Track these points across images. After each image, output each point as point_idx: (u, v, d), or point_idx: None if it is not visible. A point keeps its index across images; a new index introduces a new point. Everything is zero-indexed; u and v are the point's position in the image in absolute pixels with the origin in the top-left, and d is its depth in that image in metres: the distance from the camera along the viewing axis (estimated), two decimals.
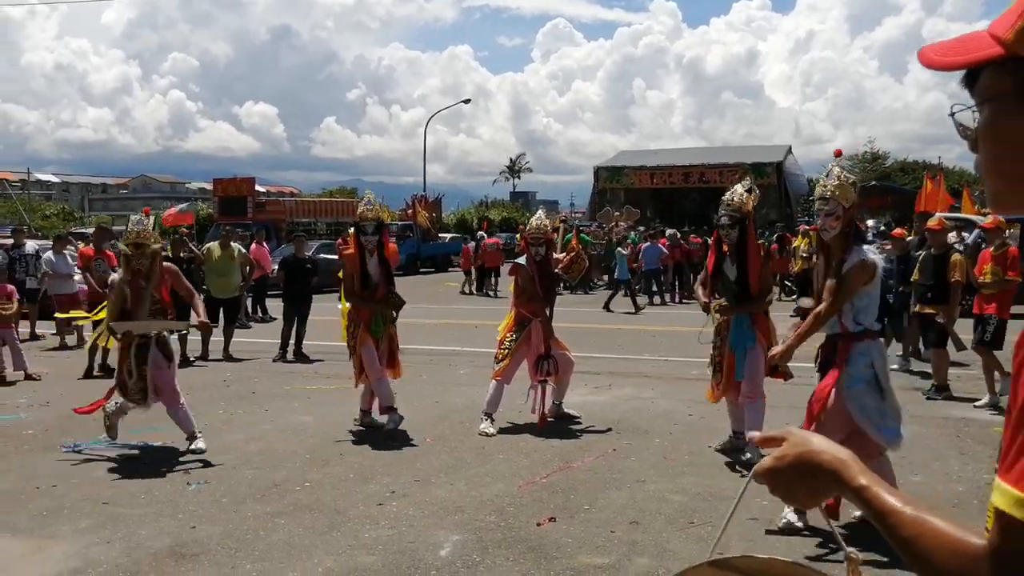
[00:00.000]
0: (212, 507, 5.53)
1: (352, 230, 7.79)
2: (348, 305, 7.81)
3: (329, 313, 16.47)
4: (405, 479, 6.11)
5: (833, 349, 5.00)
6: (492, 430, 7.45)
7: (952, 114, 1.14)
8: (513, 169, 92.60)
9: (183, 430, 6.84)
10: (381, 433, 7.40)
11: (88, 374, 10.33)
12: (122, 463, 6.52)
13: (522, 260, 8.05)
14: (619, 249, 19.85)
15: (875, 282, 4.88)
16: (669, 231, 23.23)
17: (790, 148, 41.42)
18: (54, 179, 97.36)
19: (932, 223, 9.53)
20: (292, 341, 12.06)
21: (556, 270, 8.13)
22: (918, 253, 9.76)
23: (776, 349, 5.25)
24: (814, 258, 13.21)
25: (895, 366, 11.04)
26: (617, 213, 32.96)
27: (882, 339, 5.19)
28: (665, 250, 20.57)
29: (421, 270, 33.12)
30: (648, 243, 20.91)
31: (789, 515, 4.96)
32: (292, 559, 4.65)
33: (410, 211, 35.91)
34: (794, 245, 16.79)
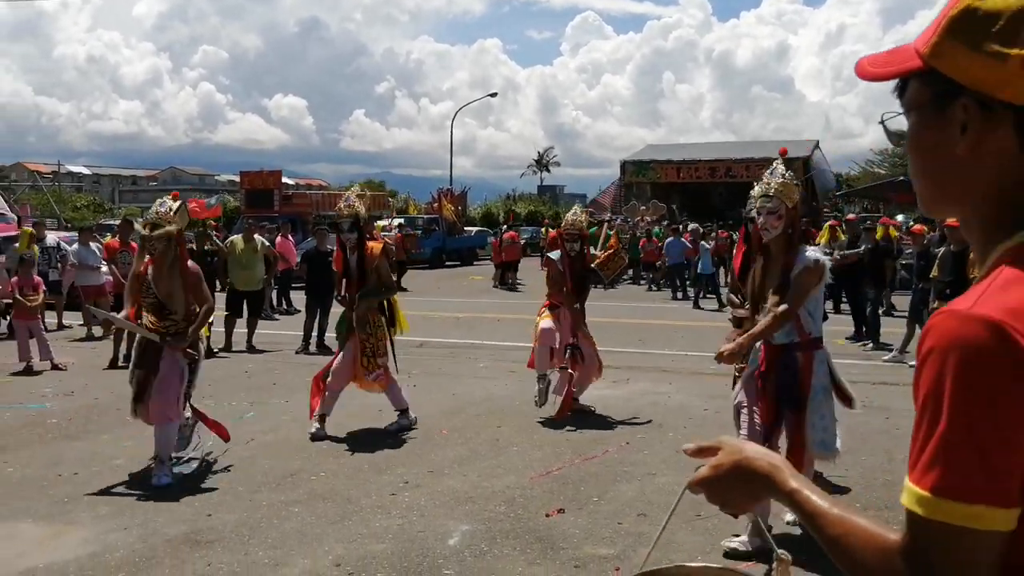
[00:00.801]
0: (228, 495, 5.63)
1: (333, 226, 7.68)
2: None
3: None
4: (419, 470, 6.18)
5: (787, 361, 4.71)
6: (539, 399, 7.80)
7: (882, 122, 1.19)
8: (541, 163, 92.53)
9: (157, 448, 6.00)
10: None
11: (113, 364, 10.51)
12: (142, 452, 6.64)
13: (555, 254, 8.11)
14: (703, 243, 19.20)
15: (822, 285, 4.68)
16: (692, 226, 23.14)
17: (818, 143, 41.12)
18: (85, 171, 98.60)
19: (951, 219, 9.44)
20: (314, 333, 12.19)
21: (592, 266, 8.14)
22: (938, 249, 9.69)
23: (726, 347, 4.77)
24: (835, 254, 13.13)
25: (887, 357, 11.05)
26: (643, 207, 32.90)
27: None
28: (689, 244, 20.53)
29: (446, 263, 33.23)
30: (672, 238, 20.87)
31: (730, 543, 4.69)
32: (304, 546, 4.74)
33: (436, 204, 36.02)
34: (816, 241, 16.64)
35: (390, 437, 7.14)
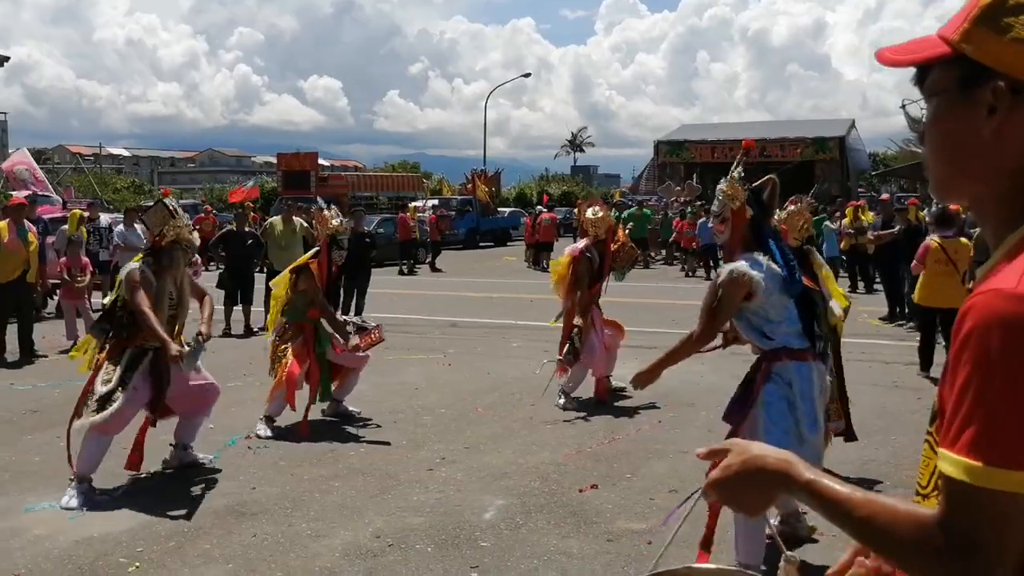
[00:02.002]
0: (270, 470, 5.83)
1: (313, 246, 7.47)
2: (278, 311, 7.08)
3: (387, 286, 16.86)
4: (455, 446, 6.33)
5: (756, 369, 4.32)
6: (567, 403, 7.51)
7: (903, 107, 1.27)
8: (574, 143, 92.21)
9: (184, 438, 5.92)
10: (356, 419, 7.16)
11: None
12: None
13: (584, 246, 7.83)
14: (827, 223, 18.52)
15: (759, 299, 4.04)
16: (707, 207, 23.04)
17: (853, 122, 40.60)
18: (125, 153, 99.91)
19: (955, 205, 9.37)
20: (351, 313, 12.39)
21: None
22: (972, 231, 9.64)
23: (643, 368, 4.33)
24: (869, 234, 13.02)
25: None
26: (678, 188, 32.75)
27: (818, 361, 4.34)
28: None
29: (480, 244, 33.36)
30: (704, 218, 20.79)
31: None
32: (344, 519, 4.91)
33: (470, 185, 36.13)
34: (843, 222, 16.54)
35: (427, 414, 7.30)
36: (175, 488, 5.47)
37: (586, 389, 7.89)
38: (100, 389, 5.32)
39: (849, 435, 5.64)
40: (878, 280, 14.52)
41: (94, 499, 5.19)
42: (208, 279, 14.55)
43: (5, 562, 4.34)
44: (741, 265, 4.01)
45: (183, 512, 5.02)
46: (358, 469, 5.83)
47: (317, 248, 7.23)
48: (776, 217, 5.53)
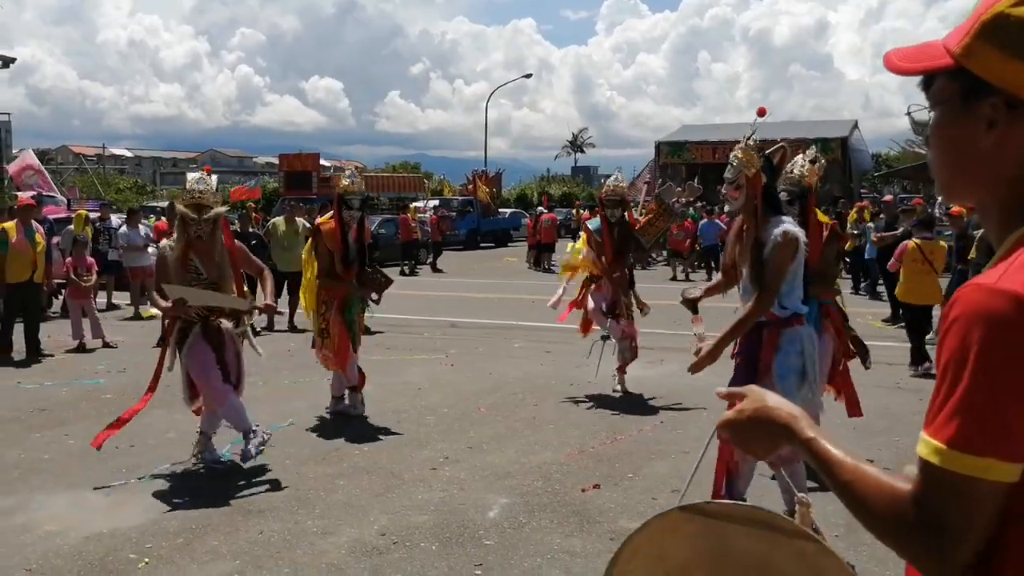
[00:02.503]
0: (276, 468, 5.88)
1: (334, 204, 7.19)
2: (312, 289, 7.40)
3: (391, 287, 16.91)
4: (458, 446, 6.39)
5: (757, 340, 4.35)
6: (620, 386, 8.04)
7: (908, 113, 1.31)
8: (575, 143, 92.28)
9: (236, 428, 5.89)
10: (351, 416, 7.22)
11: (162, 342, 10.85)
12: (193, 427, 6.90)
13: (593, 223, 8.10)
14: (869, 225, 18.24)
15: (799, 258, 4.25)
16: (727, 208, 23.07)
17: (856, 123, 40.55)
18: (127, 153, 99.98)
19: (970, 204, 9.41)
20: None
21: (636, 229, 8.08)
22: (976, 231, 9.68)
23: (704, 349, 4.18)
24: (872, 235, 13.04)
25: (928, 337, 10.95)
26: (679, 188, 32.81)
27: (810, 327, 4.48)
28: (724, 226, 20.50)
29: (481, 245, 33.40)
30: (706, 220, 20.86)
31: None
32: (350, 517, 4.97)
33: (471, 186, 36.18)
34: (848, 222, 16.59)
35: (430, 414, 7.35)
36: (183, 486, 5.53)
37: (593, 388, 7.94)
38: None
39: None
40: (881, 282, 14.58)
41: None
42: None
43: (16, 557, 4.40)
44: (791, 227, 4.18)
45: (191, 509, 5.08)
46: (363, 468, 5.89)
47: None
48: (797, 173, 5.66)
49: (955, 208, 12.26)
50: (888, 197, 17.27)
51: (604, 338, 8.13)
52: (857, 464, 1.18)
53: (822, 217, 6.08)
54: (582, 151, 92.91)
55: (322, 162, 37.66)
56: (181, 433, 6.66)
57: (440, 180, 51.63)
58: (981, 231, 9.76)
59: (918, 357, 9.17)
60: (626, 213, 8.01)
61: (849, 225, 16.02)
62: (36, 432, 6.87)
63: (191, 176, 5.90)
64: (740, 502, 1.47)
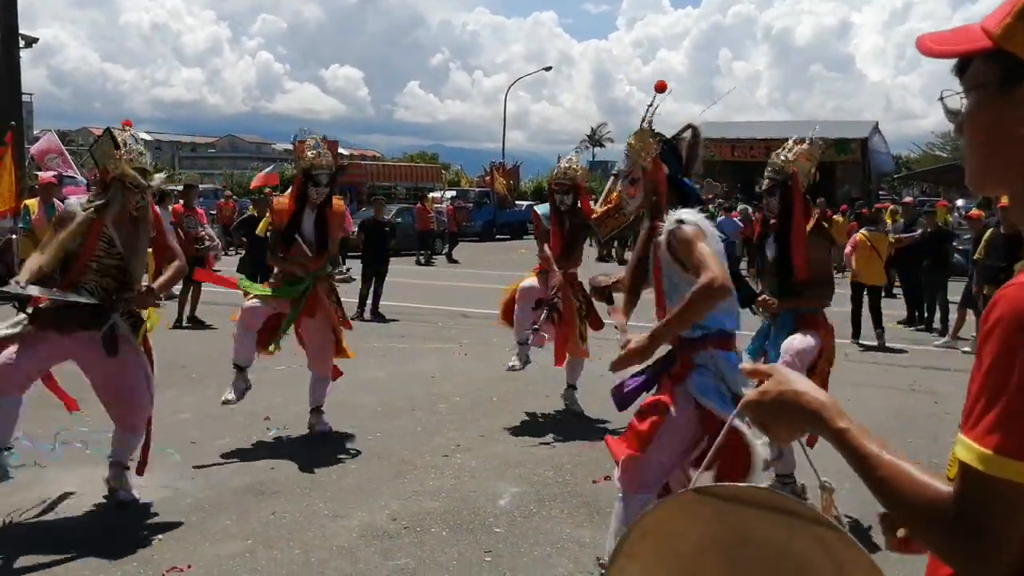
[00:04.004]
0: (288, 451, 5.91)
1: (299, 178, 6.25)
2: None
3: (405, 275, 16.95)
4: (470, 434, 6.40)
5: (670, 358, 3.54)
6: (517, 364, 6.98)
7: (942, 98, 1.25)
8: (594, 138, 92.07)
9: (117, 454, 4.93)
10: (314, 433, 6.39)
11: (177, 324, 10.93)
12: (206, 407, 6.95)
13: (542, 208, 7.19)
14: (921, 220, 17.56)
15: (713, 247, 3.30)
16: (741, 206, 23.00)
17: (877, 125, 40.30)
18: (147, 137, 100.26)
19: (1004, 200, 9.37)
20: (369, 301, 12.48)
21: (589, 220, 7.05)
22: (990, 229, 9.62)
23: (633, 342, 3.25)
24: (890, 236, 12.96)
25: (938, 342, 10.89)
26: (697, 186, 32.68)
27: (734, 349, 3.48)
28: (740, 224, 20.45)
29: (497, 237, 33.43)
30: (724, 217, 20.78)
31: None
32: (361, 501, 4.99)
33: (488, 178, 36.19)
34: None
35: (443, 402, 7.37)
36: (196, 465, 5.55)
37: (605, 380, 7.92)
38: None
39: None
40: (898, 284, 14.51)
41: None
42: (229, 263, 14.72)
43: (29, 532, 4.44)
44: (694, 217, 3.32)
45: (203, 489, 5.11)
46: (375, 453, 5.91)
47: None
48: (782, 158, 5.02)
49: (974, 211, 12.19)
50: (908, 199, 17.16)
51: (521, 343, 7.03)
52: (893, 460, 1.15)
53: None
54: (600, 146, 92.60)
55: (340, 150, 37.74)
56: (193, 414, 6.70)
57: (457, 171, 51.67)
58: (990, 231, 9.68)
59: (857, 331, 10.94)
60: (580, 201, 6.95)
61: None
62: (52, 408, 6.91)
63: (121, 135, 4.83)
64: (758, 486, 1.42)
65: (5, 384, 4.43)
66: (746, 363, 1.41)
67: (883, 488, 1.14)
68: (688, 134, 3.65)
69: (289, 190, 6.38)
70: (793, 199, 4.97)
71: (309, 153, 6.18)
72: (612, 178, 8.45)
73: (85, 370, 4.84)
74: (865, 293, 11.21)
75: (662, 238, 3.37)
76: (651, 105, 3.64)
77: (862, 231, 11.87)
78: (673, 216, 3.34)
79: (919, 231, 12.70)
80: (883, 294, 11.90)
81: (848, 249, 11.57)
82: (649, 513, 1.47)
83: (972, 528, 1.04)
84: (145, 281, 5.03)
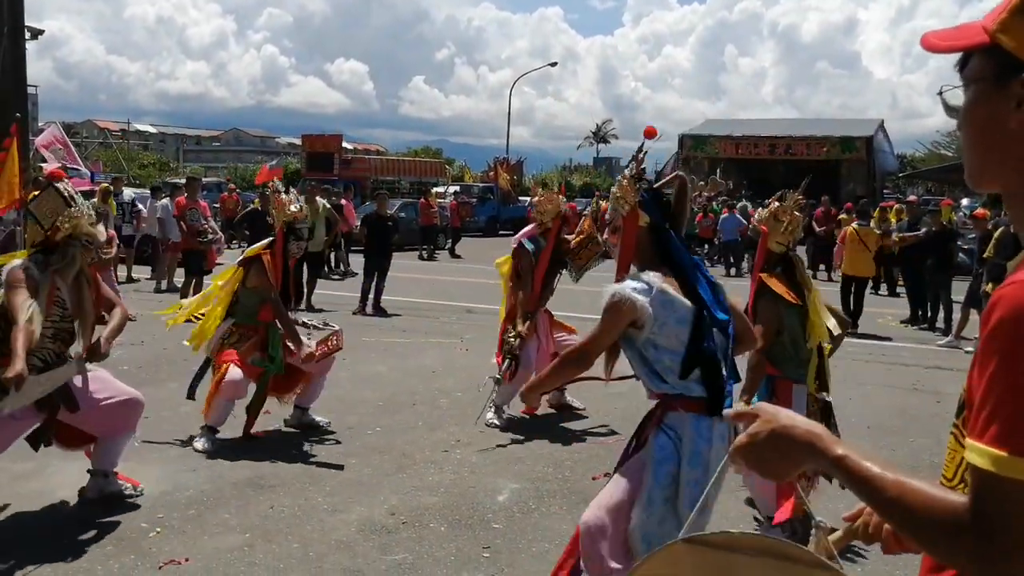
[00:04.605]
0: (289, 445, 5.91)
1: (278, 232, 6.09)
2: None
3: (408, 270, 16.93)
4: (470, 430, 6.39)
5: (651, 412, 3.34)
6: (498, 422, 6.53)
7: (940, 93, 1.25)
8: (598, 134, 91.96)
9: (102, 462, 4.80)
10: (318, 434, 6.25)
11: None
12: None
13: (531, 243, 6.86)
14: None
15: (651, 329, 3.07)
16: (740, 204, 22.96)
17: (882, 123, 40.26)
18: (151, 130, 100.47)
19: None
20: (371, 295, 12.48)
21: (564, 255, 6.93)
22: (996, 230, 9.60)
23: (528, 385, 3.59)
24: (893, 235, 12.96)
25: (942, 342, 10.87)
26: (702, 183, 32.66)
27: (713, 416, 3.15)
28: (744, 221, 20.42)
29: (500, 232, 33.37)
30: (727, 214, 20.76)
31: None
32: (360, 495, 4.99)
33: (492, 173, 36.15)
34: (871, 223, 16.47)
35: (444, 397, 7.37)
36: (196, 458, 5.56)
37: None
38: None
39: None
40: (902, 283, 14.51)
41: None
42: (232, 257, 14.72)
43: (31, 523, 4.45)
44: (621, 287, 3.12)
45: (203, 482, 5.11)
46: (374, 448, 5.91)
47: (271, 238, 6.17)
48: (756, 216, 4.87)
49: (979, 211, 12.16)
50: (912, 197, 17.13)
51: (497, 380, 6.53)
52: (899, 478, 1.11)
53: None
54: (605, 142, 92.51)
55: (344, 144, 37.76)
56: (194, 406, 6.68)
57: (461, 166, 51.64)
58: (1001, 229, 9.66)
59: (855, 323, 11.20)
60: (567, 231, 6.79)
61: (873, 225, 15.90)
62: None
63: (66, 187, 4.56)
64: (749, 532, 1.36)
65: None
66: (727, 411, 1.37)
67: (893, 510, 1.10)
68: (675, 185, 3.47)
69: (269, 244, 6.13)
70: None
71: (292, 208, 6.07)
72: (587, 212, 8.02)
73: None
74: (853, 285, 12.03)
75: (608, 293, 3.13)
76: (639, 152, 3.51)
77: (852, 226, 12.53)
78: (618, 285, 3.14)
79: (923, 230, 12.67)
80: (870, 285, 12.91)
81: (839, 244, 12.26)
82: (639, 566, 1.43)
83: (993, 532, 1.02)
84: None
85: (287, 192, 6.29)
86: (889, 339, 11.24)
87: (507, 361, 6.52)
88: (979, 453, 1.03)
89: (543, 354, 6.72)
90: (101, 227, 4.86)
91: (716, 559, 1.33)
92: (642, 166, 3.44)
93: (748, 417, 1.30)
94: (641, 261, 3.28)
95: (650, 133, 3.65)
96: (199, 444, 5.75)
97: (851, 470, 1.15)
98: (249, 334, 5.98)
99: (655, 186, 3.45)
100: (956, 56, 1.23)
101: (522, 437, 6.26)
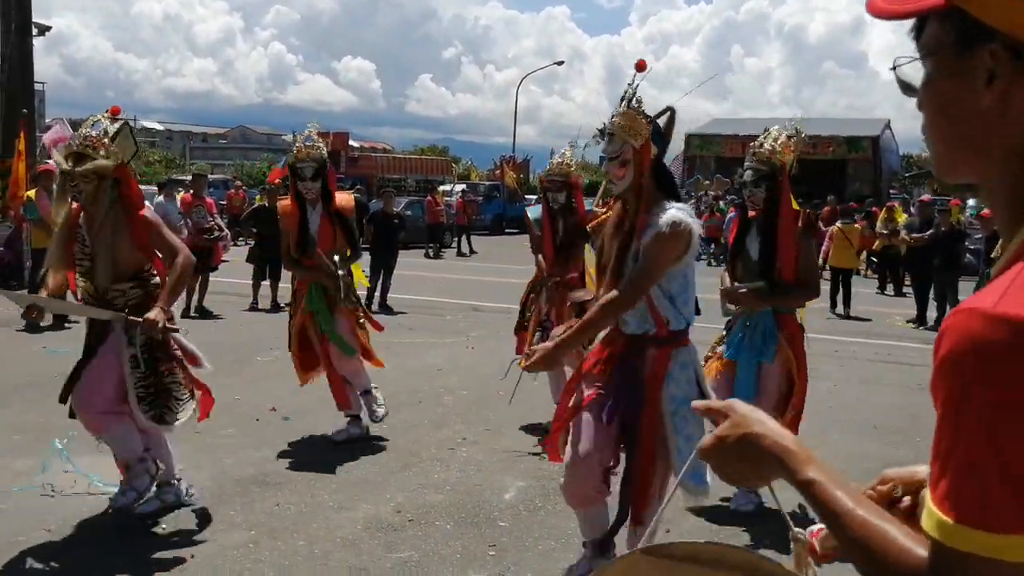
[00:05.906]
0: (294, 443, 5.91)
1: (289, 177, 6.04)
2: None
3: (414, 268, 16.93)
4: (476, 428, 6.39)
5: (640, 358, 3.39)
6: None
7: (895, 67, 1.05)
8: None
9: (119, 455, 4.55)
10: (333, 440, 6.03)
11: (184, 314, 10.93)
12: (214, 397, 6.94)
13: (534, 211, 6.75)
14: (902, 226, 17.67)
15: (688, 257, 3.28)
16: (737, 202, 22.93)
17: (888, 123, 40.13)
18: (158, 127, 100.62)
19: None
20: (378, 293, 12.48)
21: (588, 227, 6.42)
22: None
23: (540, 347, 3.54)
24: (902, 234, 12.92)
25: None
26: (707, 182, 32.65)
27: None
28: None
29: (506, 230, 33.40)
30: (733, 212, 20.73)
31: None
32: (366, 493, 4.99)
33: (498, 172, 36.17)
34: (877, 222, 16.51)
35: (449, 395, 7.37)
36: (199, 454, 5.55)
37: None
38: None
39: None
40: (908, 283, 14.51)
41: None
42: (238, 254, 14.73)
43: (34, 520, 4.45)
44: (680, 215, 3.19)
45: (208, 479, 5.11)
46: (380, 445, 5.91)
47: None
48: (767, 147, 4.78)
49: (986, 211, 12.11)
50: (925, 197, 17.06)
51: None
52: (867, 518, 0.99)
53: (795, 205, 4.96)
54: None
55: (351, 142, 37.82)
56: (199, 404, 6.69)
57: (467, 165, 51.67)
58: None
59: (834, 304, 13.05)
60: (574, 199, 6.40)
61: (879, 225, 15.90)
62: (53, 397, 6.93)
63: (90, 120, 4.53)
64: (717, 542, 1.27)
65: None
66: (696, 402, 1.29)
67: (854, 549, 1.00)
68: (666, 116, 3.48)
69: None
70: (780, 191, 4.71)
71: (296, 145, 5.89)
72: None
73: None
74: (840, 277, 13.42)
75: (656, 226, 3.21)
76: (632, 83, 3.46)
77: (836, 224, 13.95)
78: (671, 213, 3.21)
79: (930, 231, 12.63)
80: (856, 272, 14.45)
81: (826, 243, 13.28)
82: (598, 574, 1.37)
83: None
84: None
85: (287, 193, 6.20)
86: (896, 339, 11.21)
87: (538, 334, 6.21)
88: (929, 515, 0.91)
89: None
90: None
91: (680, 572, 1.25)
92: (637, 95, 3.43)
93: (718, 414, 1.20)
94: (649, 193, 3.33)
95: (641, 66, 3.59)
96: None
97: (818, 499, 1.04)
98: (296, 290, 6.02)
99: (652, 118, 3.44)
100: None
101: (528, 435, 6.25)
